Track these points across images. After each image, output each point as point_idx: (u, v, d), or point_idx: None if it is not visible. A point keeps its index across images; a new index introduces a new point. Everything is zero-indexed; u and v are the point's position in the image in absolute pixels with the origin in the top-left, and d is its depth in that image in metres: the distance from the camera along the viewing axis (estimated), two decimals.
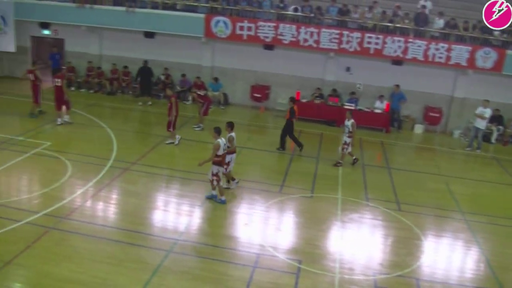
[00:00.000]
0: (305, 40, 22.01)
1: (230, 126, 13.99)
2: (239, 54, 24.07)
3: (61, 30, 25.77)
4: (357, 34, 21.52)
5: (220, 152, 12.98)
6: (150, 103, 23.15)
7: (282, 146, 18.31)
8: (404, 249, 11.81)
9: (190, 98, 23.53)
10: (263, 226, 12.62)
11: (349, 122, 16.82)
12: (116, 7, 24.10)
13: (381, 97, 22.57)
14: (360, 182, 15.94)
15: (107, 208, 12.90)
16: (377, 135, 21.68)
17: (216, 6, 23.10)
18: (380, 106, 22.42)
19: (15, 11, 24.72)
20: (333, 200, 14.21)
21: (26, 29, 26.00)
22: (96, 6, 24.00)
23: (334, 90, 22.90)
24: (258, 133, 19.43)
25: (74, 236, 11.27)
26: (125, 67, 24.96)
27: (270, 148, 18.37)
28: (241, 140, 18.82)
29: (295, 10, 22.71)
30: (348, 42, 21.65)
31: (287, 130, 18.19)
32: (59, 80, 19.14)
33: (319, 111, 22.37)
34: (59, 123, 19.18)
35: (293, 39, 22.13)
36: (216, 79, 24.02)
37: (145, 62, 23.77)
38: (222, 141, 13.01)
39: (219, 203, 13.33)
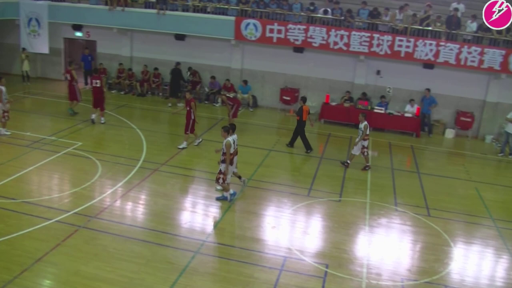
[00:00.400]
0: (335, 43, 21.89)
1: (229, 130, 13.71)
2: (269, 56, 24.08)
3: (93, 32, 26.18)
4: (387, 37, 21.32)
5: (231, 151, 13.26)
6: (180, 104, 23.29)
7: (308, 147, 18.34)
8: (432, 256, 11.64)
9: (219, 100, 23.62)
10: (291, 229, 12.58)
11: (362, 125, 16.67)
12: (147, 9, 24.37)
13: (411, 101, 22.31)
14: (389, 186, 15.77)
15: (135, 208, 13.03)
16: (407, 139, 21.43)
17: (246, 8, 23.17)
18: (410, 110, 22.17)
19: (49, 14, 25.24)
20: (361, 205, 14.10)
21: (59, 31, 26.50)
22: (127, 9, 24.30)
23: (364, 94, 22.72)
24: (287, 136, 19.35)
25: (103, 235, 11.41)
26: (156, 69, 25.21)
27: (299, 151, 18.31)
28: (269, 143, 18.92)
29: (325, 12, 22.61)
30: (378, 45, 21.46)
31: (299, 130, 18.33)
32: (98, 81, 19.48)
33: (348, 115, 22.23)
34: (102, 122, 19.75)
35: (323, 42, 22.03)
36: (245, 82, 24.08)
37: (177, 64, 23.96)
38: (232, 139, 13.34)
39: (221, 200, 13.55)
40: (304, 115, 18.07)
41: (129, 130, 19.36)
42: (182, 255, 10.76)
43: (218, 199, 13.64)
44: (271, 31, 22.55)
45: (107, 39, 26.02)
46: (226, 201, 13.52)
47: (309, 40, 22.19)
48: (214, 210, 13.14)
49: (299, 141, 18.34)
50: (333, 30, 21.83)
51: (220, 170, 13.29)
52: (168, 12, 23.76)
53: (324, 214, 13.46)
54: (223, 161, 13.23)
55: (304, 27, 22.13)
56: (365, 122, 16.64)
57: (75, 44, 28.38)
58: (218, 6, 23.61)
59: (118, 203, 13.20)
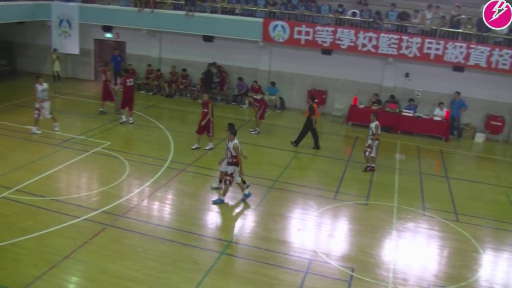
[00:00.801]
0: (364, 45, 21.74)
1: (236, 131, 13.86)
2: (297, 58, 24.03)
3: (123, 33, 26.49)
4: (417, 39, 21.08)
5: (240, 152, 13.25)
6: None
7: (297, 142, 18.75)
8: (460, 262, 11.46)
9: (246, 102, 23.66)
10: (316, 232, 12.52)
11: (373, 124, 16.55)
12: (176, 11, 24.58)
13: (440, 104, 22.00)
14: (417, 190, 15.59)
15: (162, 208, 13.13)
16: (436, 143, 21.15)
17: (275, 10, 23.16)
18: (439, 114, 21.87)
19: (80, 15, 25.63)
20: (388, 208, 13.96)
21: (89, 32, 26.88)
22: (156, 10, 24.52)
23: (392, 96, 22.50)
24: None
25: (130, 234, 11.53)
26: (184, 70, 25.39)
27: (326, 154, 18.23)
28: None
29: (354, 14, 22.47)
30: (407, 47, 21.23)
31: (307, 128, 18.53)
32: (131, 80, 19.80)
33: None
34: (131, 122, 19.96)
35: (351, 44, 21.90)
36: (273, 83, 24.07)
37: (209, 64, 24.02)
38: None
39: (219, 203, 13.38)
40: (315, 112, 18.37)
41: (157, 131, 19.53)
42: (207, 256, 10.81)
43: (215, 202, 13.42)
44: (299, 33, 22.51)
45: (137, 40, 26.31)
46: (244, 203, 13.51)
47: (337, 42, 22.08)
48: (240, 211, 13.17)
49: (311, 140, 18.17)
50: (361, 32, 21.68)
51: (227, 172, 13.23)
52: (196, 13, 23.90)
53: (350, 217, 13.37)
54: (232, 164, 13.16)
55: (332, 29, 22.03)
56: (376, 122, 16.53)
57: (104, 45, 28.75)
58: (246, 8, 23.67)
59: (145, 202, 13.32)
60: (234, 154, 13.08)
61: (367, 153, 16.72)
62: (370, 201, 14.38)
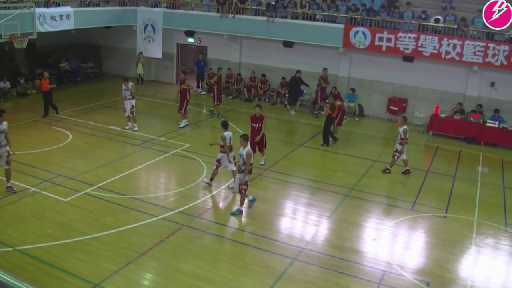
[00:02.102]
0: (447, 53, 21.05)
1: (225, 126, 14.55)
2: (377, 65, 23.60)
3: (204, 38, 27.09)
4: (504, 47, 20.14)
5: (252, 160, 12.86)
6: (293, 112, 23.68)
7: (326, 142, 18.84)
8: None
9: (325, 108, 23.47)
10: (392, 243, 12.25)
11: (401, 129, 16.16)
12: (257, 17, 24.84)
13: None
14: (500, 205, 14.87)
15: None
16: None
17: (356, 16, 22.90)
18: None
19: (164, 20, 26.52)
20: (468, 222, 13.42)
21: (172, 37, 27.70)
22: (238, 16, 24.91)
23: (480, 106, 21.52)
24: (393, 147, 18.87)
25: (204, 235, 11.74)
26: (263, 75, 25.59)
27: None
28: (374, 153, 18.56)
29: (437, 21, 21.82)
30: (494, 55, 20.35)
31: (327, 125, 18.75)
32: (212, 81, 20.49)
33: (459, 128, 21.27)
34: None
35: (434, 52, 21.27)
36: (353, 90, 23.77)
37: (297, 72, 23.98)
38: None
39: (237, 214, 12.84)
40: (335, 111, 18.45)
41: (235, 134, 19.73)
42: (280, 261, 10.81)
43: (233, 214, 12.88)
44: (380, 39, 22.13)
45: (217, 45, 26.81)
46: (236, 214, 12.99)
47: (419, 49, 21.52)
48: (314, 218, 13.10)
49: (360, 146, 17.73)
50: (445, 39, 21.01)
51: (242, 181, 12.70)
52: (277, 19, 24.06)
53: (428, 230, 12.96)
54: (249, 172, 12.74)
55: (415, 35, 21.50)
56: (405, 126, 16.20)
57: (186, 49, 29.48)
58: (327, 14, 23.54)
59: (220, 204, 13.54)
60: (245, 161, 12.58)
61: (395, 157, 16.48)
62: (449, 214, 13.87)
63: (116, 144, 17.72)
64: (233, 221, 12.69)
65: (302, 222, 13.03)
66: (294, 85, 24.05)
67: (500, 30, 19.59)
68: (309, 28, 23.52)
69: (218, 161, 14.16)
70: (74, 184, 13.94)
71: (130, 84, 18.90)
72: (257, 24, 24.58)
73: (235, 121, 21.37)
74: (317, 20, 23.74)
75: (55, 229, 11.54)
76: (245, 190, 12.72)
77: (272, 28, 24.18)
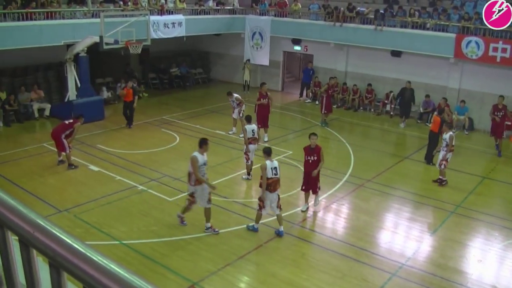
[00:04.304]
0: None
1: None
2: (490, 76, 22.35)
3: (311, 46, 27.11)
4: None
5: (269, 175, 11.40)
6: (402, 125, 22.87)
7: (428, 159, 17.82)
8: None
9: (431, 120, 22.64)
10: (499, 266, 11.54)
11: (446, 135, 15.25)
12: (364, 25, 24.48)
13: None
14: None
15: (336, 221, 13.14)
16: None
17: (468, 25, 21.89)
18: None
19: (272, 28, 26.93)
20: None
21: (279, 45, 27.99)
22: (345, 24, 24.71)
23: None
24: (506, 164, 17.89)
25: (303, 243, 11.72)
26: (369, 85, 25.16)
27: None
28: (484, 170, 17.68)
29: None
30: None
31: (434, 141, 17.48)
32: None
33: None
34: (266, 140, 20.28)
35: None
36: (463, 102, 22.71)
37: (408, 82, 23.30)
38: (271, 163, 11.52)
39: (251, 230, 12.00)
40: (435, 125, 17.39)
41: (338, 144, 19.61)
42: (378, 275, 10.55)
43: (248, 228, 12.11)
44: (495, 49, 20.97)
45: (324, 53, 26.71)
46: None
47: None
48: (416, 234, 12.64)
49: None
50: None
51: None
52: (385, 28, 23.60)
53: None
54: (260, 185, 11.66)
55: None
56: (451, 133, 15.35)
57: (292, 57, 29.65)
58: (438, 23, 22.73)
59: (320, 214, 13.44)
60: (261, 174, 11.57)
61: (442, 166, 15.62)
62: None
63: (221, 148, 18.14)
64: (332, 231, 12.56)
65: (403, 237, 12.62)
66: (406, 97, 23.12)
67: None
68: (418, 37, 22.83)
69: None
70: (179, 185, 14.41)
71: (235, 96, 19.34)
72: (364, 32, 24.25)
73: (339, 131, 21.21)
74: (427, 29, 22.99)
75: (159, 227, 12.04)
76: (260, 206, 11.71)
77: (380, 37, 23.74)
